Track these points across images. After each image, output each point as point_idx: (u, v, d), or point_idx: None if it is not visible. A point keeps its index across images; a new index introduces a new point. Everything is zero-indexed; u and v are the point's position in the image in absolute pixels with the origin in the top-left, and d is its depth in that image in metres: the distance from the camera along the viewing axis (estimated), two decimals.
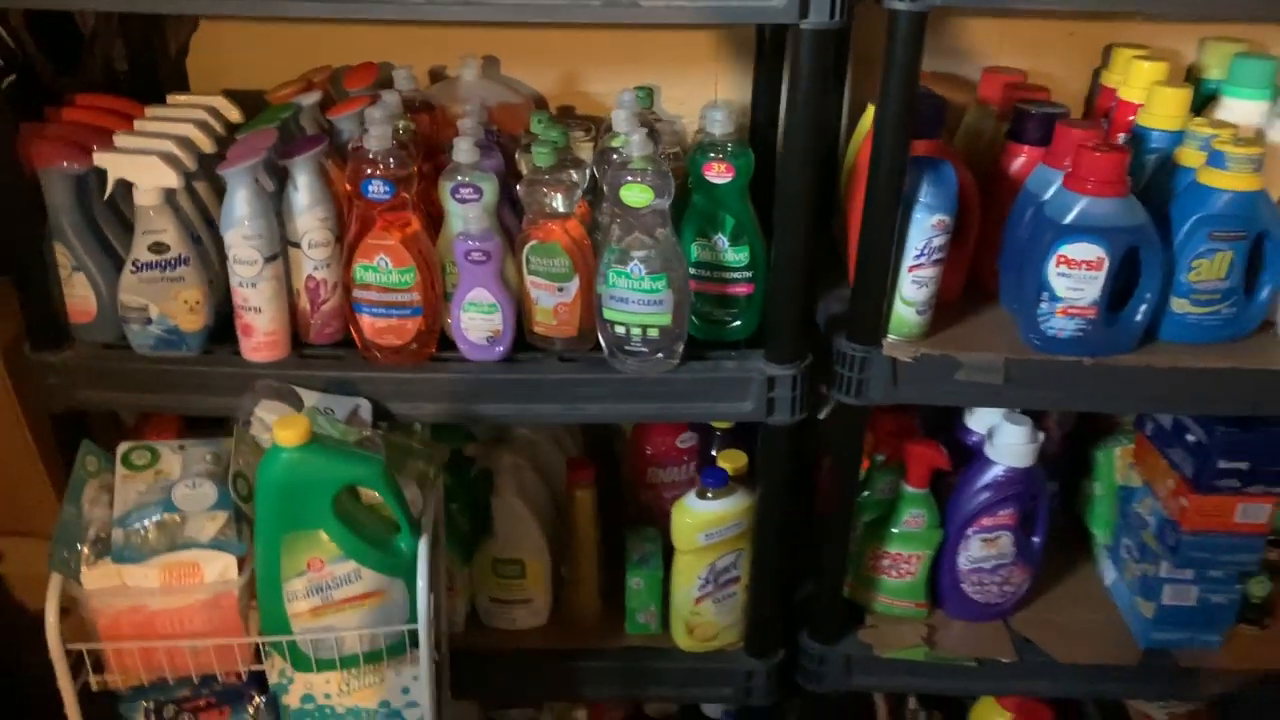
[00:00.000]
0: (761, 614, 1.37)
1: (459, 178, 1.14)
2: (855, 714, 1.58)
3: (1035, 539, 1.40)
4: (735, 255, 1.19)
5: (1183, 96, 1.19)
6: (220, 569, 1.06)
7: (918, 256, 1.16)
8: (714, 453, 1.38)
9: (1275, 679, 1.37)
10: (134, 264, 1.13)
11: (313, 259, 1.17)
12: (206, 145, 1.19)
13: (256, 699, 1.17)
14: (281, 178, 1.16)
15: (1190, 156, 1.17)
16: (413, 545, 1.08)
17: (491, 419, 1.23)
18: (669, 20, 1.01)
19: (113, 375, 1.19)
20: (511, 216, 1.23)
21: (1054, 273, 1.14)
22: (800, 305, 1.17)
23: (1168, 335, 1.20)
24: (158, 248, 1.13)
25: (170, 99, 1.27)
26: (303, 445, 1.00)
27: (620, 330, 1.15)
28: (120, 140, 1.15)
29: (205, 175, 1.20)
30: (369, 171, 1.10)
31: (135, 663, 1.07)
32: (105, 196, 1.13)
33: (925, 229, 1.14)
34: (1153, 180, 1.19)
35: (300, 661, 1.10)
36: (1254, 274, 1.18)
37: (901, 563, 1.39)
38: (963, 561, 1.37)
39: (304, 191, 1.15)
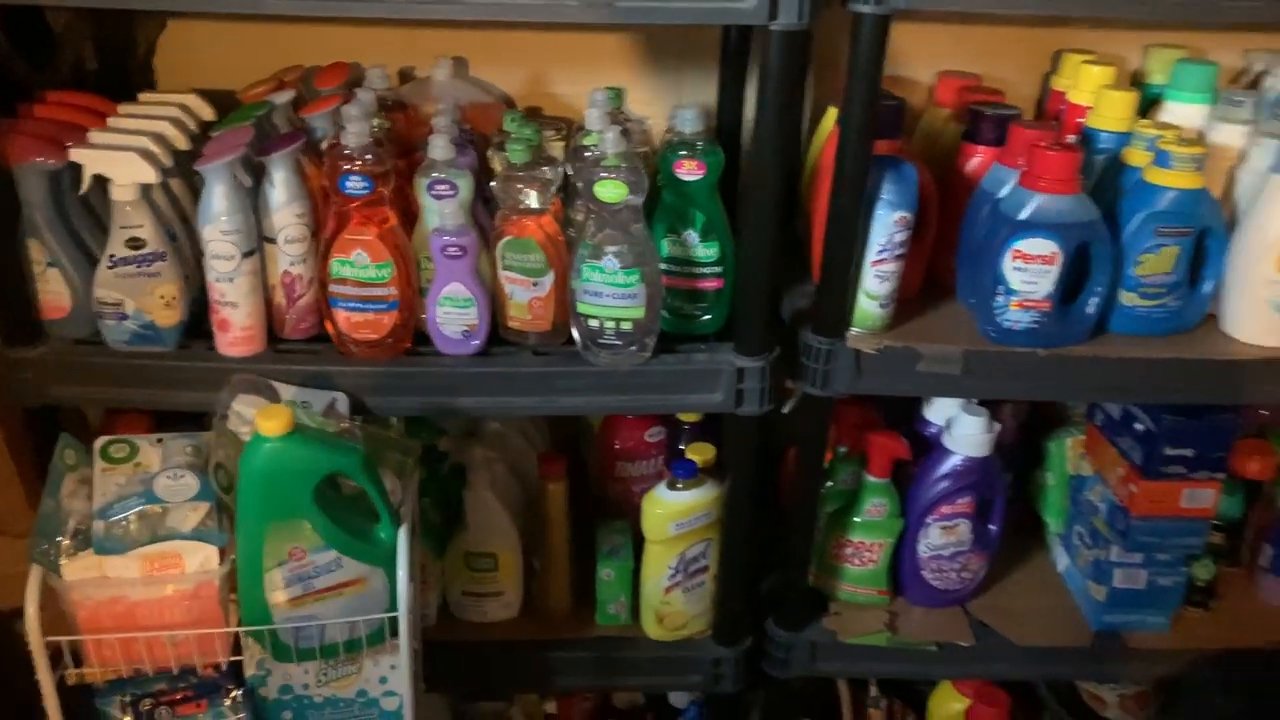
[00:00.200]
0: (730, 603, 1.40)
1: (435, 174, 1.17)
2: (819, 702, 1.62)
3: (992, 527, 1.44)
4: (705, 251, 1.22)
5: (1129, 100, 1.25)
6: (202, 559, 1.07)
7: (880, 252, 1.20)
8: (681, 446, 1.41)
9: (1219, 659, 1.43)
10: (110, 259, 1.14)
11: (289, 254, 1.19)
12: (181, 142, 1.20)
13: (234, 691, 1.17)
14: (257, 174, 1.18)
15: (1137, 156, 1.22)
16: (392, 534, 1.10)
17: (467, 412, 1.25)
18: (644, 20, 1.05)
19: (88, 370, 1.19)
20: (484, 213, 1.25)
21: (1009, 267, 1.18)
22: (768, 299, 1.21)
23: (1117, 327, 1.25)
24: (135, 243, 1.14)
25: (142, 97, 1.28)
26: (285, 435, 1.01)
27: (594, 324, 1.18)
28: (95, 137, 1.15)
29: (179, 172, 1.21)
30: (347, 167, 1.12)
31: (115, 655, 1.08)
32: (82, 192, 1.14)
33: (888, 225, 1.19)
34: (1102, 179, 1.25)
35: (281, 651, 1.11)
36: (1198, 268, 1.24)
37: (864, 551, 1.43)
38: (923, 549, 1.42)
39: (281, 187, 1.16)
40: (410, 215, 1.22)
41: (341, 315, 1.19)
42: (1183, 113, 1.27)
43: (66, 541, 1.06)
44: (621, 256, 1.14)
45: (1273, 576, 1.50)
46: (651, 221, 1.20)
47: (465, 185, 1.17)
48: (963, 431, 1.36)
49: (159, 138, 1.17)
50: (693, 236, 1.22)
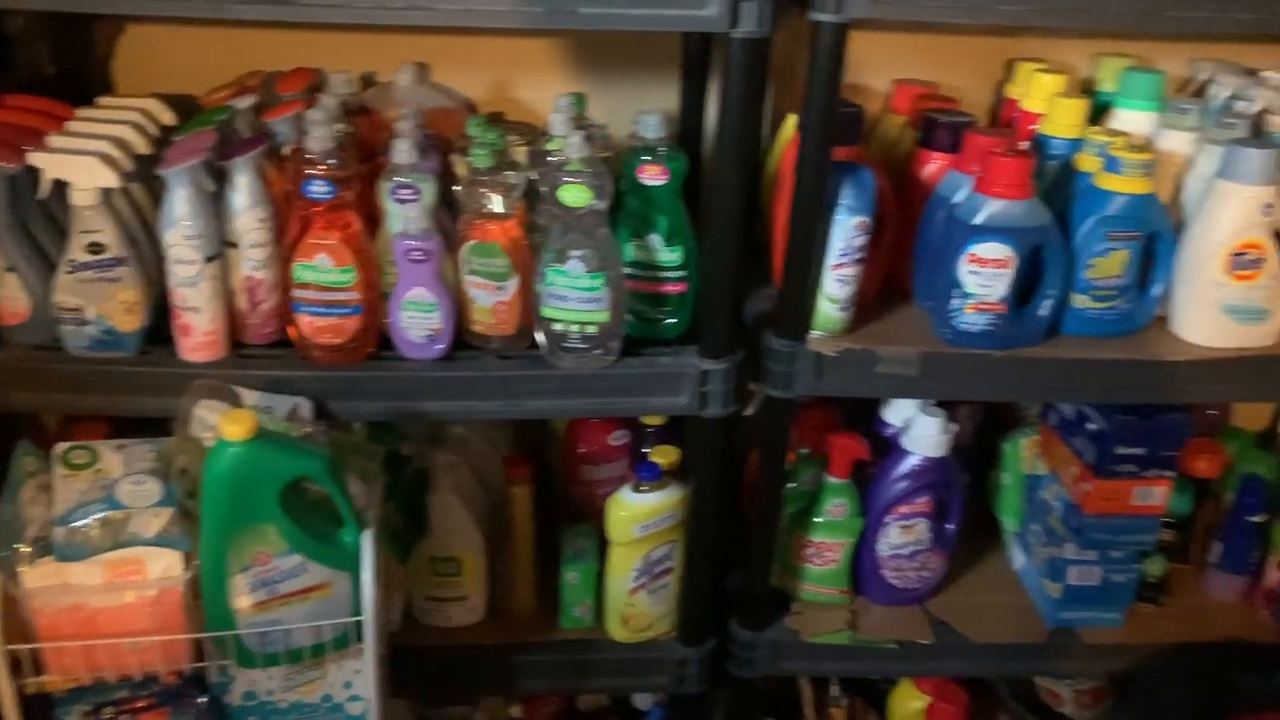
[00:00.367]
0: (694, 604, 1.41)
1: (398, 178, 1.17)
2: (781, 701, 1.63)
3: (950, 526, 1.47)
4: (669, 255, 1.24)
5: (1080, 107, 1.28)
6: (165, 565, 1.06)
7: (840, 256, 1.22)
8: (645, 449, 1.42)
9: (1170, 653, 1.46)
10: (70, 264, 1.13)
11: (251, 259, 1.18)
12: (142, 146, 1.19)
13: (197, 699, 1.17)
14: (219, 179, 1.17)
15: (1088, 162, 1.25)
16: (357, 538, 1.10)
17: (432, 416, 1.25)
18: (607, 27, 1.05)
19: (47, 377, 1.18)
20: (447, 218, 1.26)
21: (965, 271, 1.21)
22: (731, 303, 1.23)
23: (1070, 329, 1.28)
24: (95, 248, 1.13)
25: (101, 101, 1.27)
26: (250, 439, 1.01)
27: (559, 327, 1.19)
28: (54, 141, 1.14)
29: (140, 177, 1.20)
30: (310, 171, 1.12)
31: (76, 663, 1.07)
32: (41, 197, 1.13)
33: (847, 230, 1.21)
34: (1054, 184, 1.27)
35: (246, 657, 1.10)
36: (1147, 272, 1.27)
37: (825, 551, 1.45)
38: (882, 548, 1.44)
39: (243, 192, 1.16)
40: (374, 220, 1.22)
41: (305, 320, 1.19)
42: (1132, 120, 1.30)
43: (26, 549, 1.05)
44: (586, 260, 1.15)
45: (1221, 572, 1.54)
46: (615, 226, 1.21)
47: (429, 190, 1.18)
48: (920, 432, 1.39)
49: (119, 142, 1.16)
50: (656, 241, 1.23)
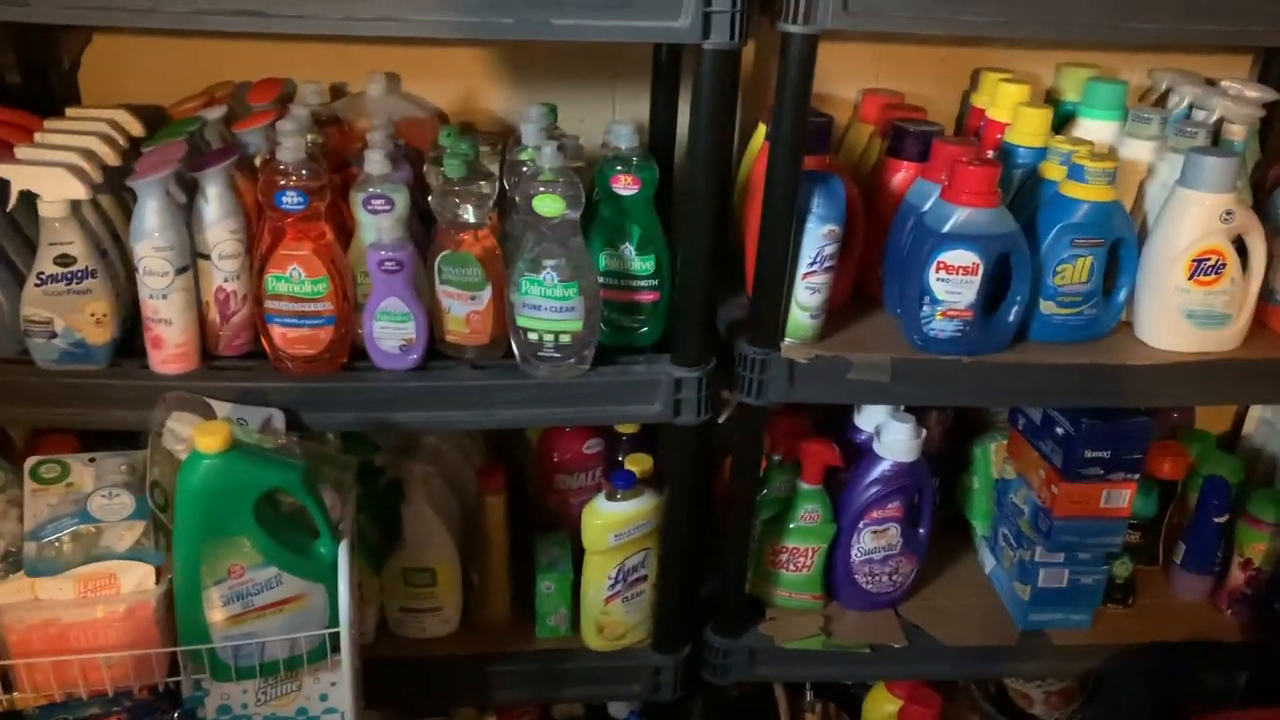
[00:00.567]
0: (669, 611, 1.42)
1: (370, 189, 1.17)
2: (756, 706, 1.64)
3: (921, 530, 1.49)
4: (642, 264, 1.25)
5: (1044, 116, 1.30)
6: (138, 579, 1.06)
7: (811, 264, 1.23)
8: (620, 458, 1.43)
9: (1138, 653, 1.48)
10: (39, 276, 1.12)
11: (223, 270, 1.18)
12: (111, 158, 1.18)
13: (171, 713, 1.16)
14: (190, 190, 1.17)
15: (1053, 170, 1.27)
16: (333, 550, 1.10)
17: (405, 427, 1.25)
18: (580, 39, 1.06)
19: (16, 390, 1.16)
20: (420, 228, 1.26)
21: (934, 278, 1.22)
22: (704, 311, 1.24)
23: (1037, 335, 1.29)
24: (64, 260, 1.12)
25: (70, 112, 1.26)
26: (224, 451, 1.01)
27: (533, 336, 1.19)
28: (22, 152, 1.13)
29: (110, 188, 1.20)
30: (282, 182, 1.12)
31: (48, 679, 1.06)
32: (8, 208, 1.12)
33: (818, 238, 1.22)
34: (1020, 192, 1.30)
35: (220, 670, 1.10)
36: (1112, 278, 1.29)
37: (798, 556, 1.46)
38: (855, 553, 1.45)
39: (215, 203, 1.16)
40: (346, 230, 1.22)
41: (277, 331, 1.19)
42: (1095, 129, 1.33)
43: None
44: (560, 270, 1.16)
45: (1186, 572, 1.56)
46: (588, 235, 1.22)
47: (401, 200, 1.18)
48: (891, 438, 1.40)
49: (88, 153, 1.15)
50: (629, 250, 1.24)
